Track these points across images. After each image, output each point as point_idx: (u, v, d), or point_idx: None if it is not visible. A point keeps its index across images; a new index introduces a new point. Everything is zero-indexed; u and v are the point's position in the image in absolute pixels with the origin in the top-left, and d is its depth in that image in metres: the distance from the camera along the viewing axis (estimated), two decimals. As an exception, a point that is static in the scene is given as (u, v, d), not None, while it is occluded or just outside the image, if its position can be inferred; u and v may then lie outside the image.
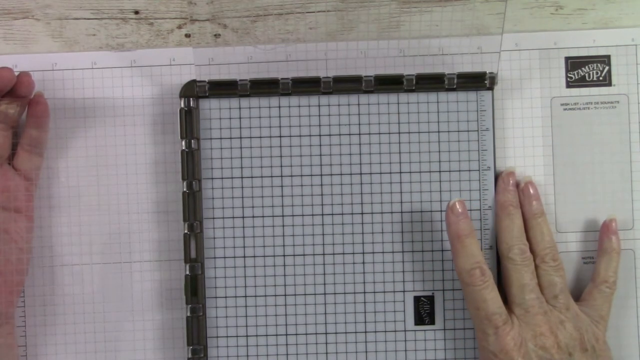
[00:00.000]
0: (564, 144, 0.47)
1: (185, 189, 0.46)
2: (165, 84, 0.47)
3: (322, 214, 0.47)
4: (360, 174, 0.47)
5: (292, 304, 0.47)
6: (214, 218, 0.47)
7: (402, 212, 0.47)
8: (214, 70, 0.47)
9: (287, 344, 0.47)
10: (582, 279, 0.47)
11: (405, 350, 0.47)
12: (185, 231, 0.46)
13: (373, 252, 0.47)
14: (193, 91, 0.46)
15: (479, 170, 0.47)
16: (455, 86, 0.46)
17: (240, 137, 0.47)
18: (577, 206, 0.47)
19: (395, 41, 0.47)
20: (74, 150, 0.47)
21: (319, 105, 0.47)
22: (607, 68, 0.47)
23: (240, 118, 0.47)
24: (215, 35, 0.48)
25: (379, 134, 0.47)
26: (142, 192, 0.47)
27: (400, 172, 0.47)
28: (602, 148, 0.47)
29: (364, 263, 0.47)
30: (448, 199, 0.46)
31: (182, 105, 0.46)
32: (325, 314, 0.47)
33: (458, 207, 0.44)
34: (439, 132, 0.47)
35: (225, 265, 0.47)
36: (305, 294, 0.47)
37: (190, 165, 0.46)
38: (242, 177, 0.47)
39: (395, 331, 0.47)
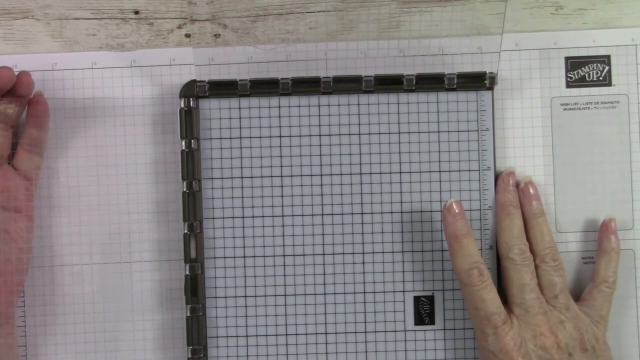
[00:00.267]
0: (564, 144, 0.47)
1: (185, 189, 0.46)
2: (165, 84, 0.47)
3: (322, 214, 0.47)
4: (360, 174, 0.47)
5: (292, 304, 0.47)
6: (214, 218, 0.47)
7: (402, 212, 0.47)
8: (214, 70, 0.47)
9: (287, 344, 0.47)
10: (582, 279, 0.47)
11: (405, 350, 0.47)
12: (185, 231, 0.46)
13: (373, 252, 0.47)
14: (193, 91, 0.46)
15: (479, 170, 0.47)
16: (455, 86, 0.46)
17: (240, 137, 0.47)
18: (577, 206, 0.47)
19: (395, 41, 0.47)
20: (74, 150, 0.47)
21: (319, 105, 0.47)
22: (607, 68, 0.47)
23: (240, 118, 0.47)
24: (215, 35, 0.48)
25: (379, 134, 0.47)
26: (142, 192, 0.47)
27: (400, 172, 0.47)
28: (602, 148, 0.47)
29: (364, 263, 0.47)
30: (448, 199, 0.46)
31: (182, 105, 0.46)
32: (325, 314, 0.47)
33: (455, 207, 0.44)
34: (439, 132, 0.47)
35: (225, 265, 0.47)
36: (305, 294, 0.47)
37: (190, 165, 0.46)
38: (242, 177, 0.47)
39: (395, 331, 0.47)
